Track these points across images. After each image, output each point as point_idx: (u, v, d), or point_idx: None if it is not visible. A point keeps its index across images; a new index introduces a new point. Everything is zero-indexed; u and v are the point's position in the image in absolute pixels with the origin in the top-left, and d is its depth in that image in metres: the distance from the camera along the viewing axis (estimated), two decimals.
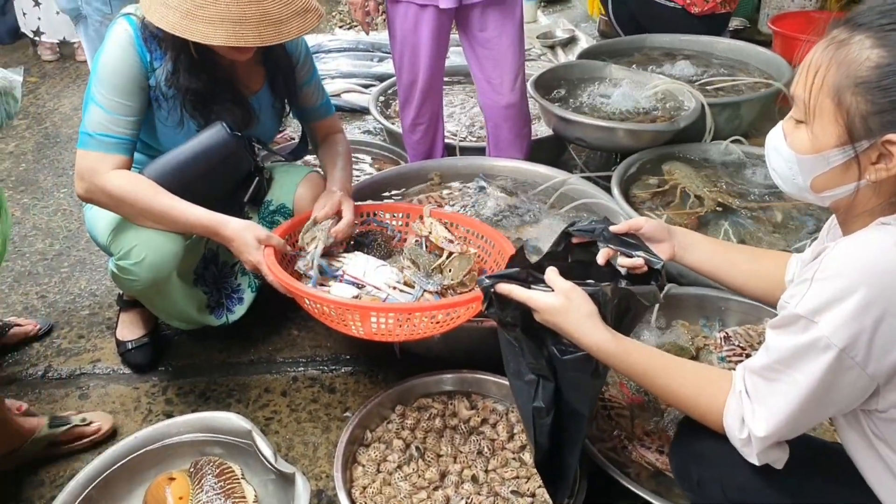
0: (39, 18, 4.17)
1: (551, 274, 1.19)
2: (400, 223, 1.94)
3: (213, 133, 1.68)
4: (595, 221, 1.39)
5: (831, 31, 0.97)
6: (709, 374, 1.13)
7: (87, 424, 1.72)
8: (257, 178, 1.83)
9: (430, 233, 1.80)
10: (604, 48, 3.36)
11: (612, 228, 1.35)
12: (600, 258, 1.34)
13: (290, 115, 1.99)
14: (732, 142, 2.53)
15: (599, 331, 1.14)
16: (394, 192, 2.33)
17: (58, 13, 3.93)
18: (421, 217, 1.87)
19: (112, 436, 1.75)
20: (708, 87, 2.90)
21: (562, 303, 1.15)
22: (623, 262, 1.33)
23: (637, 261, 1.32)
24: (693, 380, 1.12)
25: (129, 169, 1.61)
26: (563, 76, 2.83)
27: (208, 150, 1.68)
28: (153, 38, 1.60)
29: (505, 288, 1.19)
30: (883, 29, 0.92)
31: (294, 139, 2.69)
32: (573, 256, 1.39)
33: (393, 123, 2.90)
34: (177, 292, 1.74)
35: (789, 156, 1.01)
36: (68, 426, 1.69)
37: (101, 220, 1.70)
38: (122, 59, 1.58)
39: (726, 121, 2.73)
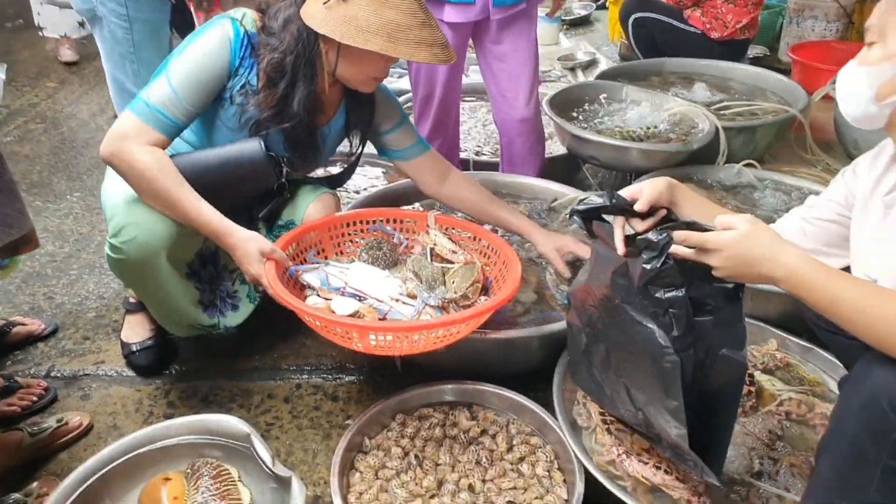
0: (38, 14, 4.06)
1: (717, 220, 1.17)
2: (406, 231, 1.94)
3: (250, 147, 1.71)
4: (597, 195, 1.38)
5: None
6: None
7: (66, 424, 1.74)
8: (275, 199, 1.86)
9: (434, 244, 1.79)
10: (622, 70, 3.38)
11: (621, 192, 1.37)
12: (620, 230, 1.35)
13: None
14: (745, 165, 2.52)
15: (801, 252, 1.11)
16: (405, 207, 2.34)
17: (60, 8, 3.87)
18: (427, 228, 1.87)
19: (90, 429, 1.78)
20: (724, 112, 2.90)
21: (746, 229, 1.13)
22: (641, 226, 1.36)
23: (649, 221, 1.36)
24: None
25: (164, 150, 1.62)
26: (579, 96, 2.84)
27: (240, 160, 1.70)
28: (251, 48, 1.65)
29: (681, 234, 1.18)
30: None
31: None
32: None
33: None
34: (168, 281, 1.73)
35: (860, 73, 1.17)
36: (49, 430, 1.70)
37: (111, 194, 1.70)
38: (214, 55, 1.61)
39: (741, 145, 2.72)
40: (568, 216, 1.73)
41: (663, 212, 1.37)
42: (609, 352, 1.43)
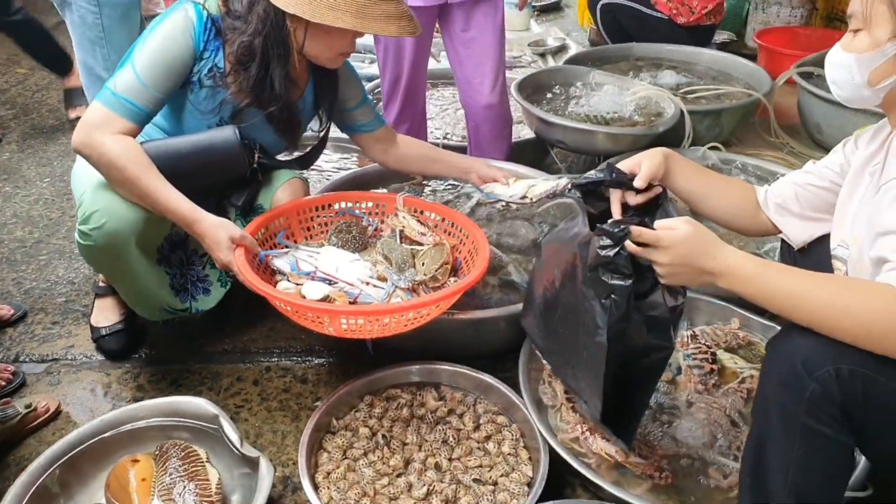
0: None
1: (658, 223, 1.24)
2: (375, 213, 1.96)
3: (223, 134, 1.71)
4: (598, 171, 1.44)
5: None
6: (865, 283, 1.11)
7: (34, 409, 1.73)
8: (251, 185, 1.86)
9: (403, 227, 1.81)
10: (590, 55, 3.41)
11: (619, 165, 1.42)
12: (617, 203, 1.41)
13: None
14: (710, 148, 2.57)
15: (737, 250, 1.17)
16: (374, 191, 2.35)
17: None
18: (396, 210, 1.88)
19: (59, 414, 1.78)
20: (690, 96, 2.95)
21: (692, 229, 1.19)
22: (636, 200, 1.41)
23: (650, 194, 1.41)
24: (855, 286, 1.09)
25: (134, 138, 1.62)
26: (547, 80, 2.87)
27: (212, 148, 1.71)
28: (216, 31, 1.65)
29: (637, 230, 1.23)
30: None
31: None
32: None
33: None
34: (138, 266, 1.73)
35: (848, 60, 1.21)
36: (18, 417, 1.70)
37: (81, 181, 1.70)
38: (176, 40, 1.61)
39: (707, 128, 2.77)
40: (568, 189, 1.79)
41: (659, 189, 1.43)
42: (559, 310, 1.48)
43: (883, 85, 1.21)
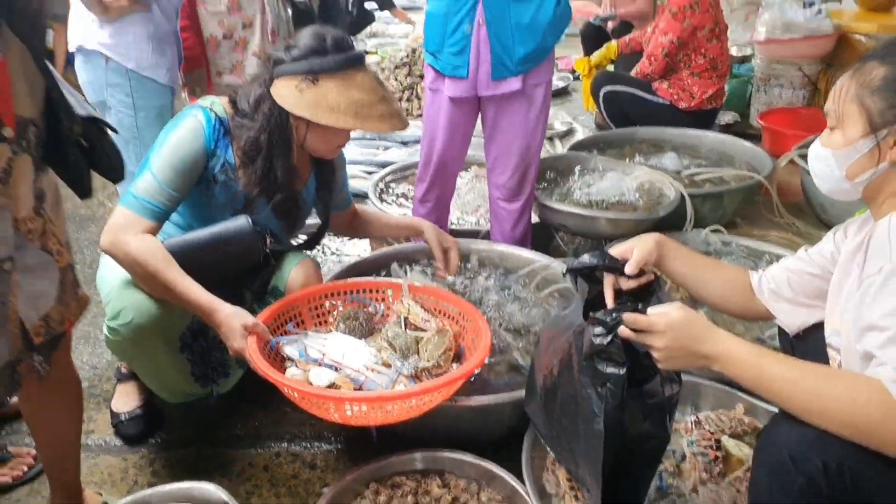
0: None
1: (651, 310, 1.29)
2: (382, 299, 2.03)
3: (237, 224, 1.83)
4: (591, 256, 1.50)
5: (853, 67, 1.31)
6: (854, 375, 1.12)
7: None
8: (264, 269, 1.97)
9: (408, 313, 1.89)
10: (594, 140, 3.53)
11: (612, 250, 1.48)
12: (610, 289, 1.46)
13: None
14: (712, 231, 2.63)
15: (731, 335, 1.21)
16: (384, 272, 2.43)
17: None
18: (401, 297, 1.96)
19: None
20: (695, 178, 3.04)
21: (684, 313, 1.24)
22: (628, 285, 1.46)
23: (642, 279, 1.46)
24: (844, 377, 1.11)
25: (156, 235, 1.76)
26: (552, 167, 2.98)
27: (227, 239, 1.83)
28: (224, 131, 1.81)
29: (630, 317, 1.27)
30: (886, 56, 1.27)
31: None
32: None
33: (390, 205, 3.09)
34: (162, 357, 1.84)
35: (827, 154, 1.30)
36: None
37: (107, 280, 1.82)
38: (190, 142, 1.76)
39: (710, 210, 2.85)
40: (563, 273, 1.88)
41: (651, 276, 1.48)
42: (558, 397, 1.52)
43: (860, 179, 1.28)
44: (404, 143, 4.24)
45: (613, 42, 4.18)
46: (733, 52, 4.73)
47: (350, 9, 6.83)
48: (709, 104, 3.63)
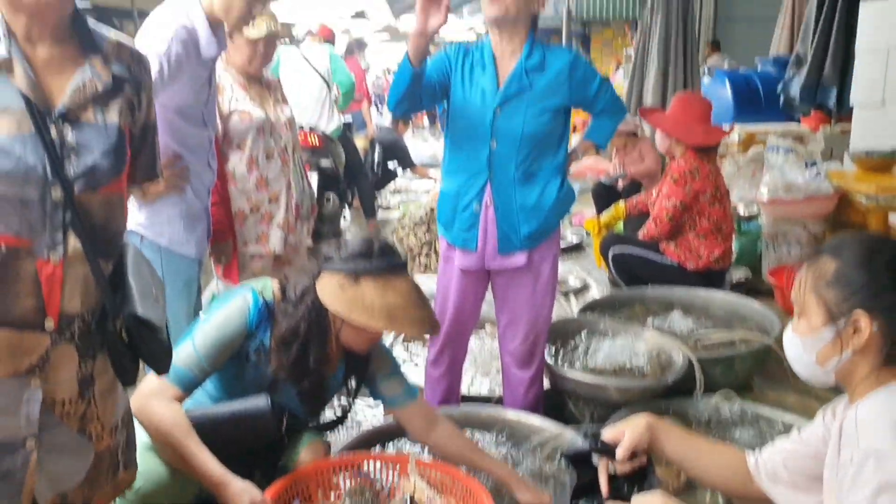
0: None
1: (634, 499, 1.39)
2: (389, 473, 2.04)
3: (258, 406, 1.92)
4: (584, 441, 1.53)
5: (808, 260, 1.41)
6: None
7: None
8: (277, 448, 2.03)
9: (414, 491, 1.89)
10: (606, 301, 3.59)
11: (604, 433, 1.53)
12: (604, 474, 1.51)
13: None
14: (724, 396, 2.62)
15: None
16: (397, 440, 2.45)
17: None
18: (408, 472, 1.97)
19: None
20: (705, 342, 3.05)
21: (666, 500, 1.33)
22: (622, 469, 1.49)
23: (635, 463, 1.50)
24: None
25: (181, 402, 1.85)
26: (561, 330, 3.04)
27: (246, 418, 1.91)
28: (268, 314, 1.93)
29: None
30: (836, 251, 1.35)
31: None
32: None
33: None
34: None
35: (798, 341, 1.37)
36: None
37: None
38: (234, 321, 1.89)
39: (721, 374, 2.84)
40: (558, 460, 1.91)
41: (644, 459, 1.51)
42: None
43: (829, 367, 1.33)
44: None
45: (621, 203, 4.37)
46: (740, 209, 4.87)
47: (375, 169, 7.31)
48: (717, 265, 3.70)
